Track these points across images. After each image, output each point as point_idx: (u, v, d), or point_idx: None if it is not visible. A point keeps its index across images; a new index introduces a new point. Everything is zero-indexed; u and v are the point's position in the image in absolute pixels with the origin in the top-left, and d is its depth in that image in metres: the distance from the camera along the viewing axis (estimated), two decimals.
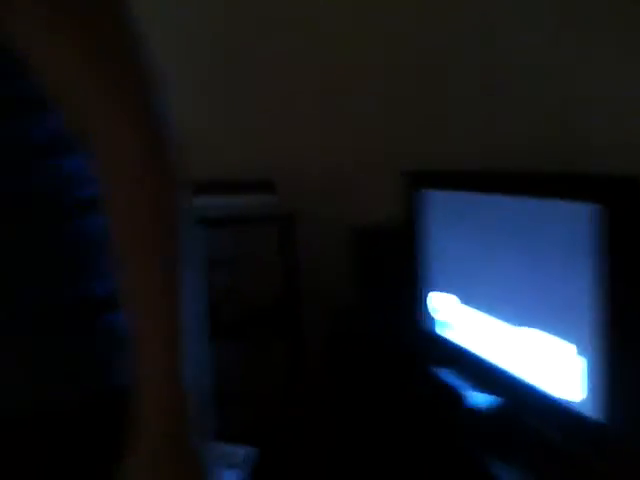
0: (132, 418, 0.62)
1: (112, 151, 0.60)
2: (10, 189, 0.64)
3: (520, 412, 1.47)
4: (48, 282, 0.65)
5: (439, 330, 1.91)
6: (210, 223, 2.06)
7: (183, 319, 0.62)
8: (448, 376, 1.75)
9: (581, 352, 1.26)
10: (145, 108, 0.61)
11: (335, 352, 2.18)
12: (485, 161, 2.12)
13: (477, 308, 1.68)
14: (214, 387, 0.69)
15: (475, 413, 1.52)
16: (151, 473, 0.61)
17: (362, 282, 2.18)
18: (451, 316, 1.83)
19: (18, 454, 0.64)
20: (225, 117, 2.34)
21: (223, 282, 2.28)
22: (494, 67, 2.16)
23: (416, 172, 1.99)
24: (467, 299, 1.74)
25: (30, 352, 0.64)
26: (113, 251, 0.62)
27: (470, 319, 1.72)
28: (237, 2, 2.34)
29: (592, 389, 1.24)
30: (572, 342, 1.29)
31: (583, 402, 1.27)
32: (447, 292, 1.85)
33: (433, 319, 1.93)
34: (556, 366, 1.34)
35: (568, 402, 1.31)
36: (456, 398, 1.59)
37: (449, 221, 1.82)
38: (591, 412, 1.24)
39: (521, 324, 1.47)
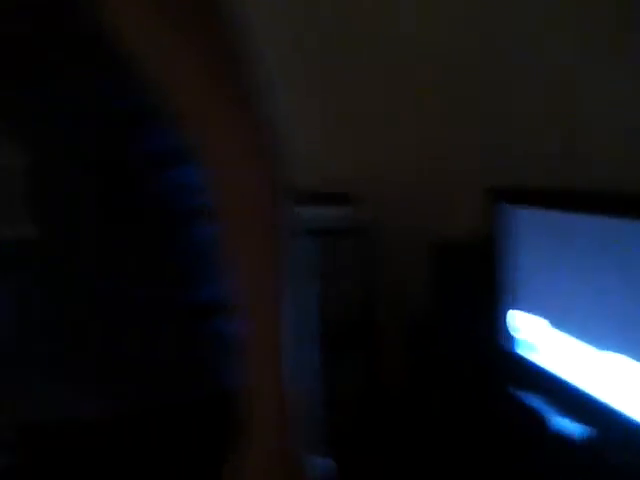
0: (241, 421, 0.63)
1: (225, 161, 0.62)
2: (125, 200, 0.66)
3: (611, 443, 1.41)
4: (160, 288, 0.67)
5: (521, 350, 1.86)
6: None
7: (291, 326, 0.63)
8: (529, 399, 1.70)
9: None
10: (258, 119, 0.63)
11: (412, 367, 2.15)
12: (566, 178, 2.06)
13: (568, 332, 1.62)
14: (320, 396, 0.69)
15: (560, 441, 1.47)
16: (261, 475, 0.62)
17: (440, 297, 2.15)
18: (538, 338, 1.78)
19: (127, 451, 0.65)
20: (304, 128, 2.35)
21: None
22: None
23: (500, 188, 1.95)
24: (558, 322, 1.68)
25: (140, 355, 0.66)
26: (223, 258, 0.64)
27: (560, 343, 1.66)
28: (329, 16, 2.35)
29: None
30: None
31: None
32: (533, 313, 1.80)
33: (514, 339, 1.88)
34: None
35: None
36: (539, 422, 1.54)
37: (536, 239, 1.77)
38: None
39: (616, 350, 1.41)
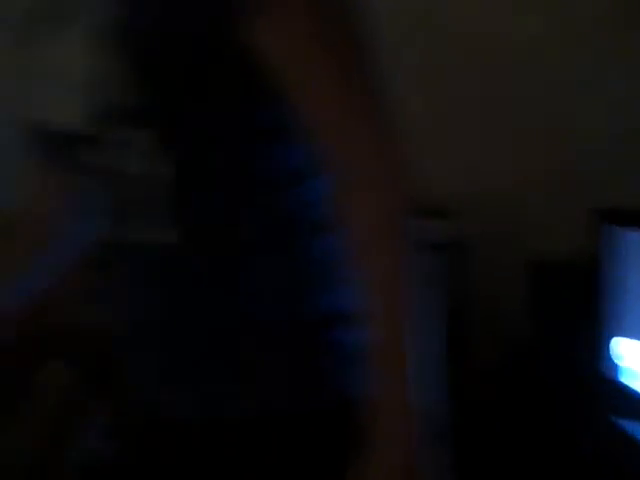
0: (363, 432, 0.62)
1: (352, 176, 0.63)
2: (254, 214, 0.68)
3: None
4: (285, 297, 0.69)
5: (624, 379, 1.78)
6: None
7: (415, 339, 0.63)
8: (632, 428, 1.63)
9: None
10: (386, 136, 0.65)
11: (506, 388, 2.10)
12: None
13: None
14: (447, 416, 0.69)
15: None
16: None
17: (538, 317, 2.09)
18: None
19: (251, 454, 0.67)
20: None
21: None
22: None
23: (607, 208, 1.88)
24: None
25: (266, 362, 0.68)
26: (348, 269, 0.65)
27: None
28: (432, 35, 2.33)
29: None
30: None
31: None
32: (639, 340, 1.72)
33: (617, 366, 1.81)
34: None
35: None
36: None
37: None
38: None
39: None
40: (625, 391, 1.76)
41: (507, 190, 2.33)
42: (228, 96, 0.65)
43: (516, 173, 2.32)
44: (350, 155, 0.63)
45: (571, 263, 2.06)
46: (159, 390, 0.72)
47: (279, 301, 0.68)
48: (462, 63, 2.32)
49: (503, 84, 2.30)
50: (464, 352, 2.11)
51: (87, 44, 0.65)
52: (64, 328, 1.91)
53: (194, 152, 0.66)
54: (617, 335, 1.81)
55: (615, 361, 1.82)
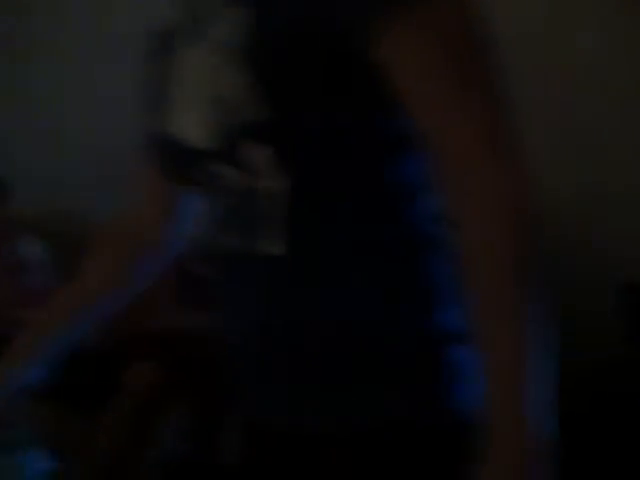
0: (477, 453, 0.61)
1: (474, 194, 0.61)
2: (374, 229, 0.68)
3: None
4: (409, 314, 0.68)
5: None
6: None
7: (533, 357, 0.61)
8: None
9: None
10: (509, 154, 0.62)
11: (598, 413, 2.03)
12: None
13: None
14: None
15: None
16: None
17: (633, 338, 2.01)
18: None
19: (369, 467, 0.67)
20: None
21: None
22: None
23: None
24: None
25: (380, 376, 0.67)
26: (466, 288, 0.63)
27: None
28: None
29: None
30: None
31: None
32: None
33: None
34: None
35: None
36: None
37: None
38: None
39: None
40: None
41: (601, 207, 2.25)
42: (353, 108, 0.65)
43: (607, 191, 2.24)
44: (472, 173, 0.62)
45: None
46: (272, 399, 0.72)
47: (400, 316, 0.68)
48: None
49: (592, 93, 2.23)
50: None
51: (214, 59, 0.66)
52: (151, 331, 1.95)
53: (314, 166, 0.66)
54: None
55: None
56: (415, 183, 0.68)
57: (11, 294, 2.02)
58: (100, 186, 2.44)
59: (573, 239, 2.24)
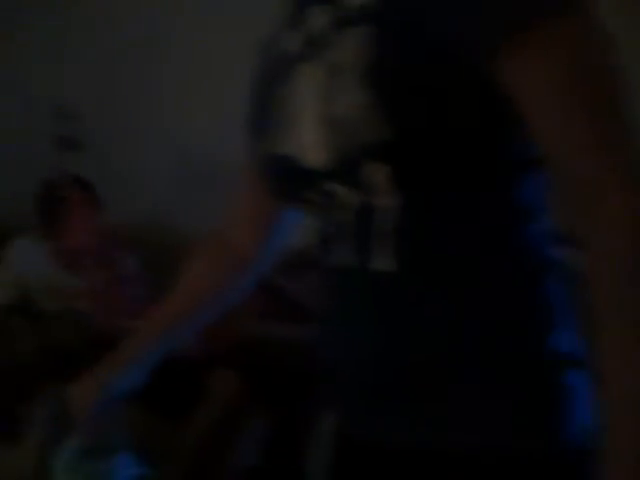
0: (589, 475, 0.60)
1: (604, 218, 0.60)
2: (494, 251, 0.67)
3: None
4: (516, 336, 0.66)
5: None
6: None
7: None
8: None
9: None
10: (632, 178, 0.60)
11: None
12: None
13: None
14: None
15: None
16: None
17: None
18: None
19: None
20: None
21: None
22: None
23: None
24: None
25: (498, 398, 0.66)
26: (584, 307, 0.62)
27: None
28: None
29: None
30: None
31: None
32: None
33: None
34: None
35: None
36: None
37: None
38: None
39: None
40: None
41: None
42: (473, 128, 0.64)
43: None
44: (603, 193, 0.60)
45: None
46: (374, 415, 0.71)
47: (515, 337, 0.66)
48: None
49: None
50: None
51: (332, 79, 0.65)
52: (234, 339, 1.98)
53: (431, 184, 0.65)
54: None
55: None
56: (533, 205, 0.67)
57: (114, 304, 2.10)
58: (193, 198, 2.50)
59: None
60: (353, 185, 0.66)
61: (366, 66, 0.62)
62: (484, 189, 0.66)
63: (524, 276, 0.67)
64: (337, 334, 0.73)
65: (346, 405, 0.75)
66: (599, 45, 0.61)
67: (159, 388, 1.01)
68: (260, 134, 0.77)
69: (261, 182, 0.80)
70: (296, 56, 0.72)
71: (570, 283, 0.66)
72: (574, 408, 0.66)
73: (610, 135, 0.61)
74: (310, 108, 0.67)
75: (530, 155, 0.65)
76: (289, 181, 0.73)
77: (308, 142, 0.67)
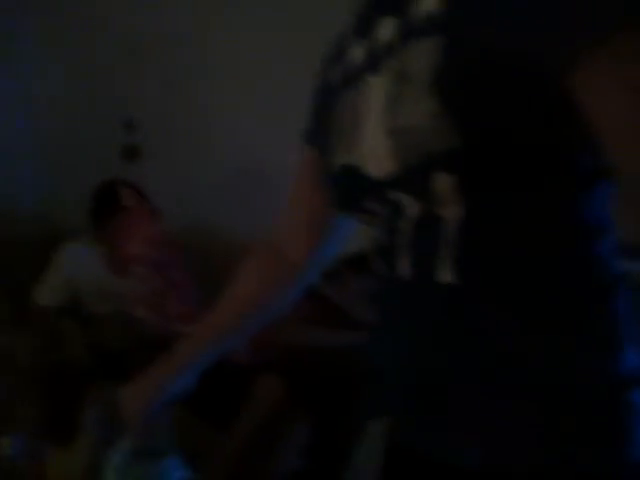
0: None
1: None
2: (559, 266, 0.64)
3: None
4: (583, 353, 0.64)
5: None
6: None
7: None
8: None
9: None
10: None
11: None
12: None
13: None
14: None
15: None
16: None
17: None
18: None
19: None
20: None
21: None
22: None
23: None
24: None
25: (561, 416, 0.64)
26: None
27: None
28: None
29: None
30: None
31: None
32: None
33: None
34: None
35: None
36: None
37: None
38: None
39: None
40: None
41: None
42: (542, 139, 0.62)
43: None
44: None
45: None
46: (425, 427, 0.71)
47: (582, 354, 0.65)
48: None
49: None
50: None
51: (400, 89, 0.65)
52: (277, 345, 1.98)
53: (500, 195, 0.64)
54: None
55: None
56: (600, 217, 0.65)
57: (167, 309, 2.13)
58: (242, 203, 2.53)
59: None
60: (417, 195, 0.65)
61: (435, 76, 0.61)
62: (550, 201, 0.64)
63: (592, 291, 0.65)
64: (392, 344, 0.72)
65: (398, 414, 0.74)
66: None
67: (204, 392, 1.02)
68: (322, 143, 0.77)
69: (319, 191, 0.80)
70: (362, 66, 0.72)
71: (636, 296, 0.65)
72: (638, 426, 0.64)
73: None
74: (376, 117, 0.66)
75: (597, 167, 0.63)
76: (351, 190, 0.72)
77: (372, 151, 0.66)
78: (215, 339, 0.95)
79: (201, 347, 0.95)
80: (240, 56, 2.46)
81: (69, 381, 1.99)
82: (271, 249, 0.94)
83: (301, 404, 1.97)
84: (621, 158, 0.58)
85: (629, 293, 0.65)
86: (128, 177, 2.28)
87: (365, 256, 1.88)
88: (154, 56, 2.60)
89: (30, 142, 2.84)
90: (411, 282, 0.68)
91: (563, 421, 0.63)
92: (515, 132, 0.61)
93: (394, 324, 0.72)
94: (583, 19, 0.55)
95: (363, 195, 0.71)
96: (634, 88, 0.56)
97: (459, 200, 0.63)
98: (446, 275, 0.64)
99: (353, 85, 0.72)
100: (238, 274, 0.95)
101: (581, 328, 0.64)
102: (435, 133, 0.61)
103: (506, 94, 0.60)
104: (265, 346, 1.92)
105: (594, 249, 0.65)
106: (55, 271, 2.21)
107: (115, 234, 2.15)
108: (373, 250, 0.74)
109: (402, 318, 0.71)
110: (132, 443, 1.00)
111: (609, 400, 0.64)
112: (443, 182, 0.62)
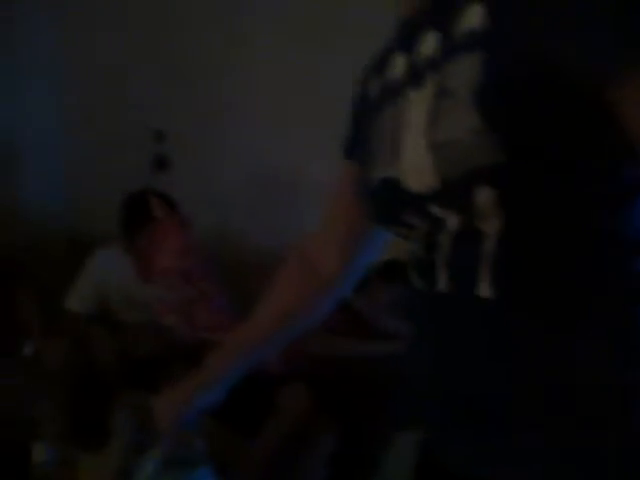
0: None
1: None
2: (599, 280, 0.63)
3: None
4: (629, 369, 0.63)
5: None
6: None
7: None
8: None
9: None
10: None
11: None
12: None
13: None
14: None
15: None
16: None
17: None
18: None
19: None
20: None
21: None
22: None
23: None
24: None
25: (589, 438, 0.62)
26: None
27: None
28: None
29: None
30: None
31: None
32: None
33: None
34: None
35: None
36: None
37: None
38: None
39: None
40: None
41: None
42: (584, 155, 0.62)
43: None
44: None
45: None
46: (460, 444, 0.70)
47: (621, 368, 0.63)
48: None
49: None
50: None
51: (441, 104, 0.65)
52: (303, 355, 1.98)
53: (541, 210, 0.63)
54: None
55: None
56: (633, 242, 0.64)
57: (197, 318, 2.14)
58: (264, 215, 2.55)
59: None
60: (458, 209, 0.65)
61: (477, 91, 0.61)
62: (590, 215, 0.64)
63: (634, 306, 0.64)
64: (428, 358, 0.72)
65: (431, 427, 0.73)
66: None
67: (233, 401, 1.03)
68: (361, 156, 0.77)
69: (356, 204, 0.80)
70: (404, 80, 0.72)
71: None
72: None
73: None
74: (417, 132, 0.66)
75: (638, 181, 0.63)
76: (390, 204, 0.72)
77: (413, 165, 0.66)
78: (248, 352, 0.95)
79: (233, 360, 0.96)
80: (262, 72, 2.50)
81: (98, 387, 2.01)
82: (305, 261, 0.94)
83: (328, 414, 1.97)
84: None
85: None
86: (157, 186, 2.31)
87: (393, 264, 1.89)
88: (185, 72, 2.66)
89: (62, 151, 2.90)
90: (448, 295, 0.68)
91: (604, 440, 0.62)
92: (557, 147, 0.61)
93: (430, 337, 0.72)
94: (630, 34, 0.55)
95: (402, 209, 0.70)
96: None
97: (500, 214, 0.63)
98: (485, 289, 0.64)
99: (394, 99, 0.72)
100: (272, 287, 0.95)
101: (625, 343, 0.63)
102: (478, 148, 0.61)
103: (548, 110, 0.60)
104: (294, 356, 1.92)
105: (636, 263, 0.64)
106: (86, 276, 2.24)
107: (145, 245, 2.16)
108: (410, 263, 0.74)
109: (438, 331, 0.70)
110: (163, 452, 1.00)
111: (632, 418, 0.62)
112: (485, 196, 0.62)
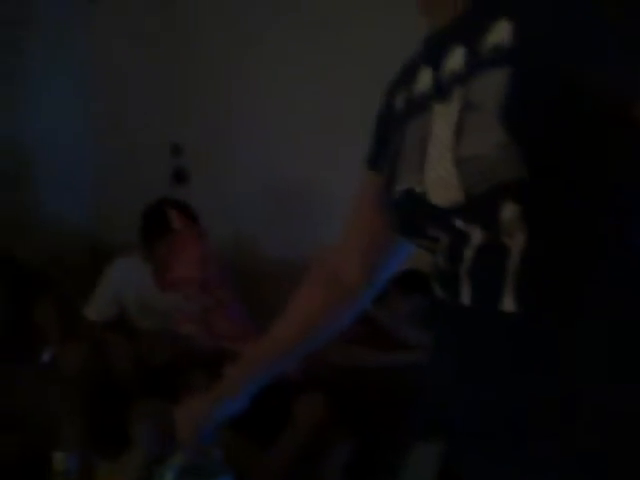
0: None
1: None
2: (621, 294, 0.63)
3: None
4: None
5: None
6: None
7: None
8: None
9: None
10: None
11: None
12: None
13: None
14: None
15: None
16: None
17: None
18: None
19: None
20: None
21: None
22: None
23: None
24: None
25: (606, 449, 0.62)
26: None
27: None
28: None
29: None
30: None
31: None
32: None
33: None
34: None
35: None
36: None
37: None
38: None
39: None
40: None
41: None
42: (609, 171, 0.62)
43: None
44: None
45: None
46: (480, 455, 0.70)
47: (627, 382, 0.63)
48: None
49: None
50: None
51: (467, 118, 0.65)
52: (326, 366, 1.98)
53: (565, 225, 0.64)
54: None
55: None
56: None
57: (215, 327, 2.15)
58: (277, 227, 2.56)
59: None
60: (482, 223, 0.65)
61: (504, 106, 0.61)
62: (613, 229, 0.63)
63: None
64: (450, 370, 0.72)
65: (453, 438, 0.73)
66: None
67: (249, 410, 1.03)
68: (385, 169, 0.77)
69: (379, 216, 0.80)
70: (429, 93, 0.72)
71: None
72: None
73: None
74: (442, 146, 0.66)
75: None
76: (414, 217, 0.72)
77: (438, 179, 0.66)
78: (269, 364, 0.96)
79: (255, 371, 0.96)
80: (276, 83, 2.51)
81: (115, 394, 2.02)
82: (328, 272, 0.94)
83: (344, 423, 1.96)
84: None
85: None
86: (176, 198, 2.33)
87: (411, 275, 1.88)
88: (200, 87, 2.69)
89: (88, 161, 2.95)
90: (471, 308, 0.68)
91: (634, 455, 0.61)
92: (580, 162, 0.61)
93: (452, 348, 0.72)
94: None
95: (426, 222, 0.71)
96: None
97: (524, 228, 0.63)
98: (510, 303, 0.64)
99: (419, 112, 0.73)
100: (294, 298, 0.95)
101: (627, 351, 0.62)
102: (503, 163, 0.61)
103: (573, 124, 0.60)
104: (313, 365, 1.92)
105: None
106: (105, 284, 2.25)
107: (163, 256, 2.17)
108: (432, 275, 0.74)
109: (460, 343, 0.70)
110: (183, 461, 1.01)
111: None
112: (510, 211, 0.62)
